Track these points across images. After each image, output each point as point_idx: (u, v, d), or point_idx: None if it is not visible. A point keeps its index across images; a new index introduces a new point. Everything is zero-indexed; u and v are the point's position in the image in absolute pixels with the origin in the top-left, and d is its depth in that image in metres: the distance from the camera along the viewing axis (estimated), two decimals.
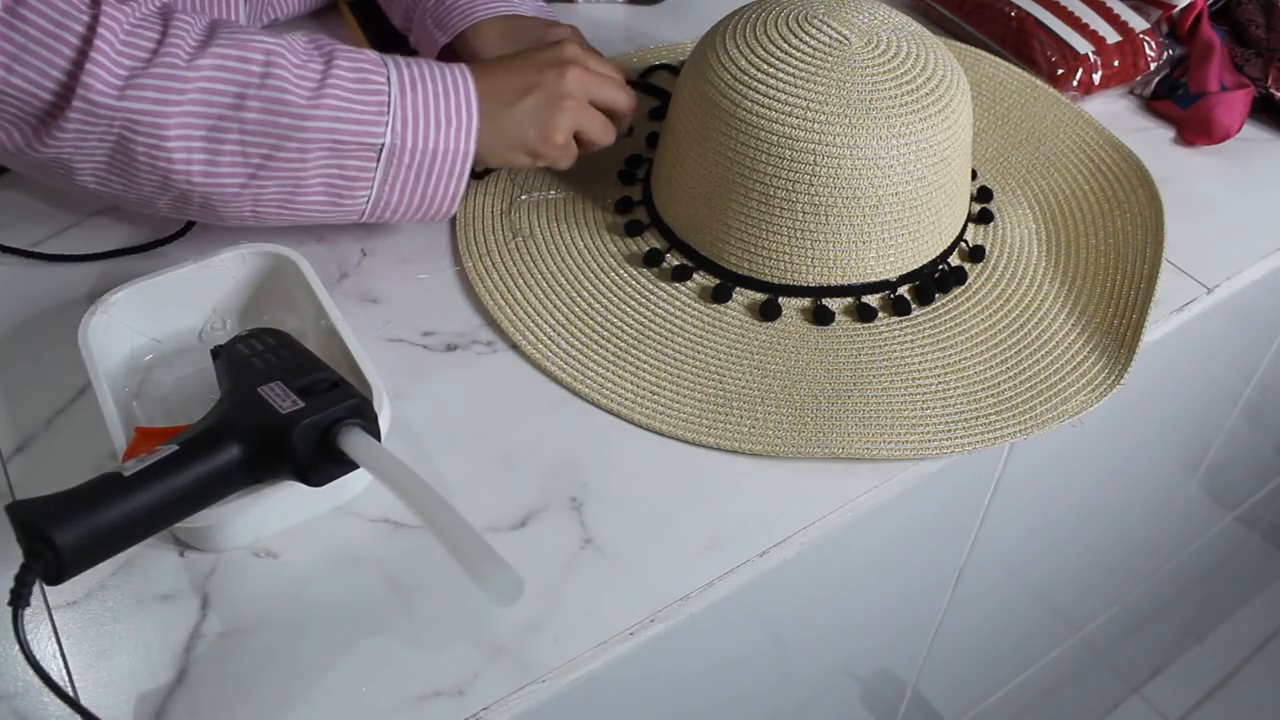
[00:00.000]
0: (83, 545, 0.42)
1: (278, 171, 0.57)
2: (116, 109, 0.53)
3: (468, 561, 0.42)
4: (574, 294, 0.64)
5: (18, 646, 0.40)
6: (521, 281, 0.64)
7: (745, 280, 0.63)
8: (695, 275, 0.64)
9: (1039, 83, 0.81)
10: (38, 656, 0.41)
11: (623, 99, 0.66)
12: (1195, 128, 0.79)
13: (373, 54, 0.59)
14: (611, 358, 0.60)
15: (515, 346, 0.61)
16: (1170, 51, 0.84)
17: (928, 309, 0.64)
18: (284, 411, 0.46)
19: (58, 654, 0.47)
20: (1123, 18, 0.83)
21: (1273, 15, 0.86)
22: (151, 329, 0.59)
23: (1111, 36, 0.82)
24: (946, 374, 0.60)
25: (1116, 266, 0.67)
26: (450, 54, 0.74)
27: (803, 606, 0.64)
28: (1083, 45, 0.81)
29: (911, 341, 0.62)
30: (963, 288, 0.65)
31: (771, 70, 0.60)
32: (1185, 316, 0.67)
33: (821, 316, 0.62)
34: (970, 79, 0.80)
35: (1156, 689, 1.53)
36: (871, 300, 0.63)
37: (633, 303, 0.63)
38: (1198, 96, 0.80)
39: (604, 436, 0.57)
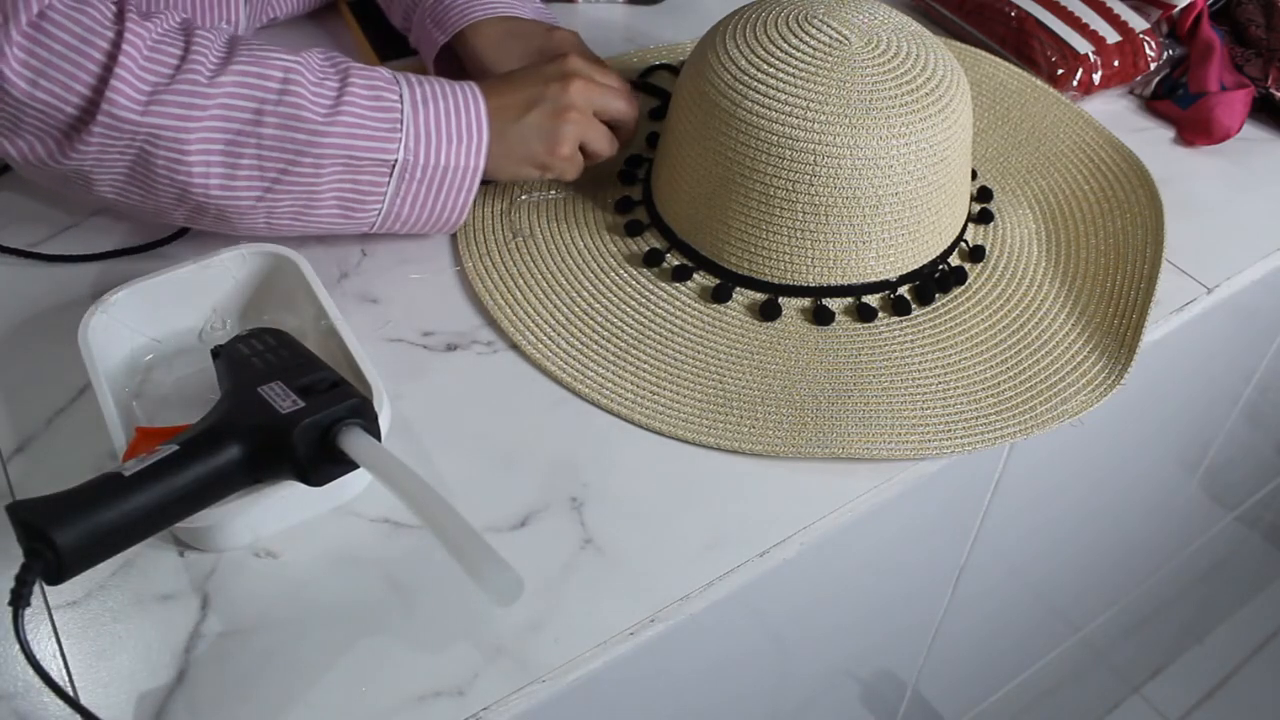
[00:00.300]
0: (83, 545, 0.42)
1: (293, 186, 0.58)
2: (140, 124, 0.54)
3: (468, 561, 0.42)
4: (574, 294, 0.64)
5: (18, 646, 0.40)
6: (521, 281, 0.64)
7: (745, 280, 0.63)
8: (695, 275, 0.64)
9: (1039, 83, 0.81)
10: (38, 656, 0.41)
11: (625, 109, 0.67)
12: (1195, 128, 0.79)
13: (385, 72, 0.60)
14: (611, 358, 0.60)
15: (515, 346, 0.61)
16: (1170, 51, 0.84)
17: (928, 309, 0.64)
18: (284, 411, 0.46)
19: (58, 654, 0.47)
20: (1123, 18, 0.83)
21: (1273, 15, 0.86)
22: (151, 329, 0.59)
23: (1111, 36, 0.82)
24: (946, 374, 0.60)
25: (1117, 266, 0.67)
26: (449, 54, 0.74)
27: (803, 606, 0.64)
28: (1083, 45, 0.81)
29: (911, 341, 0.62)
30: (963, 288, 0.65)
31: (771, 70, 0.60)
32: (1185, 316, 0.67)
33: (821, 316, 0.62)
34: (970, 79, 0.80)
35: (1156, 689, 1.53)
36: (871, 300, 0.63)
37: (633, 303, 0.63)
38: (1198, 96, 0.80)
39: (604, 436, 0.57)
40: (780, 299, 0.63)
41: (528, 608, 0.49)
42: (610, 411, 0.58)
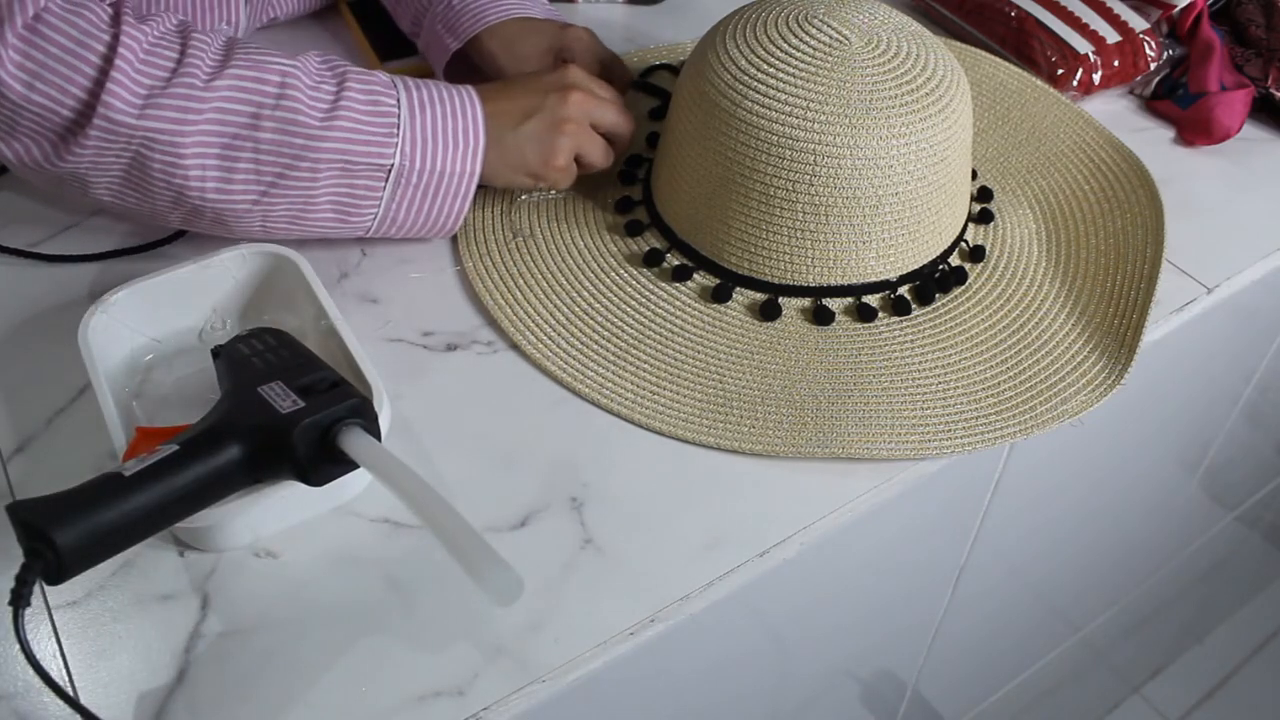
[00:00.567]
0: (83, 545, 0.42)
1: (289, 190, 0.58)
2: (136, 127, 0.54)
3: (468, 561, 0.42)
4: (574, 294, 0.64)
5: (18, 646, 0.40)
6: (521, 281, 0.64)
7: (745, 280, 0.63)
8: (695, 275, 0.64)
9: (1039, 83, 0.81)
10: (37, 656, 0.41)
11: (622, 123, 0.66)
12: (1195, 128, 0.79)
13: (383, 76, 0.60)
14: (612, 357, 0.60)
15: (515, 346, 0.61)
16: (1170, 51, 0.84)
17: (928, 309, 0.64)
18: (284, 411, 0.46)
19: (58, 654, 0.47)
20: (1123, 18, 0.83)
21: (1273, 15, 0.86)
22: (151, 329, 0.59)
23: (1111, 36, 0.82)
24: (946, 374, 0.60)
25: (1117, 267, 0.67)
26: (461, 59, 0.74)
27: (803, 606, 0.64)
28: (1083, 45, 0.81)
29: (911, 341, 0.62)
30: (963, 288, 0.65)
31: (771, 70, 0.60)
32: (1185, 316, 0.67)
33: (821, 316, 0.62)
34: (971, 79, 0.80)
35: (1156, 689, 1.53)
36: (872, 300, 0.63)
37: (633, 303, 0.63)
38: (1198, 96, 0.80)
39: (604, 436, 0.57)
40: (780, 299, 0.63)
41: (528, 608, 0.49)
42: (610, 411, 0.58)
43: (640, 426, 0.57)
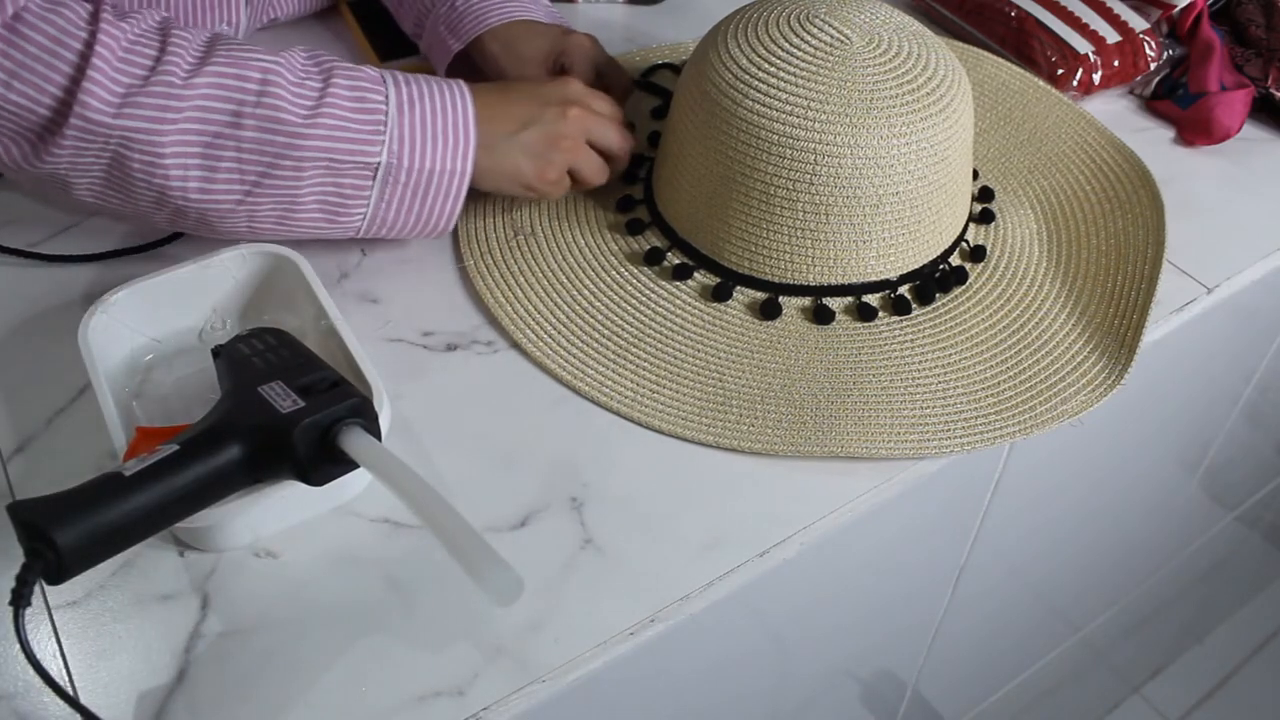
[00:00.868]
0: (84, 545, 0.42)
1: (273, 189, 0.57)
2: (113, 127, 0.53)
3: (468, 561, 0.42)
4: (575, 292, 0.64)
5: (18, 646, 0.40)
6: (522, 279, 0.64)
7: (746, 279, 0.63)
8: (696, 274, 0.64)
9: (1040, 83, 0.81)
10: (38, 656, 0.40)
11: (619, 141, 0.66)
12: (1195, 128, 0.79)
13: (372, 71, 0.59)
14: (612, 356, 0.60)
15: (515, 345, 0.61)
16: (1170, 51, 0.84)
17: (928, 309, 0.64)
18: (284, 411, 0.46)
19: (58, 654, 0.47)
20: (1123, 18, 0.83)
21: (1273, 15, 0.86)
22: (151, 329, 0.59)
23: (1111, 36, 0.82)
24: (946, 374, 0.60)
25: (1117, 267, 0.67)
26: (464, 59, 0.74)
27: (803, 606, 0.64)
28: (1083, 45, 0.81)
29: (912, 341, 0.62)
30: (963, 287, 0.65)
31: (772, 69, 0.60)
32: (1185, 316, 0.67)
33: (822, 316, 0.62)
34: (972, 79, 0.80)
35: (1156, 689, 1.53)
36: (872, 300, 0.63)
37: (633, 301, 0.63)
38: (1198, 96, 0.80)
39: (604, 435, 0.57)
40: (780, 298, 0.63)
41: (528, 608, 0.49)
42: (610, 410, 0.58)
43: (640, 425, 0.57)
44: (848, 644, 0.76)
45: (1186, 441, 0.99)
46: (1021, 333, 0.63)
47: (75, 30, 0.52)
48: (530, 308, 0.63)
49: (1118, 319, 0.63)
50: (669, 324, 0.62)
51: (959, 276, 0.65)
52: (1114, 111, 0.82)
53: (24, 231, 0.67)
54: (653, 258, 0.65)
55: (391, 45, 0.81)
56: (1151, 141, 0.79)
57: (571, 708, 0.50)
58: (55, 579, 0.42)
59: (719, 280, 0.64)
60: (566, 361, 0.60)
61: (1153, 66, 0.82)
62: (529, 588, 0.48)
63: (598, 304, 0.63)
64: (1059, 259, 0.68)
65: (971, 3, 0.87)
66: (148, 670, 0.46)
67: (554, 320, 0.62)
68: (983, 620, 0.93)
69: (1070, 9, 0.83)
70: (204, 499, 0.46)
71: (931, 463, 0.57)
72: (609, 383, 0.59)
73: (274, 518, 0.51)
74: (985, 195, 0.71)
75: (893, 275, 0.63)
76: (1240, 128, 0.80)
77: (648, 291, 0.64)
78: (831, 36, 0.61)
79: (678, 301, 0.63)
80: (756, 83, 0.60)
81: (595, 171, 0.65)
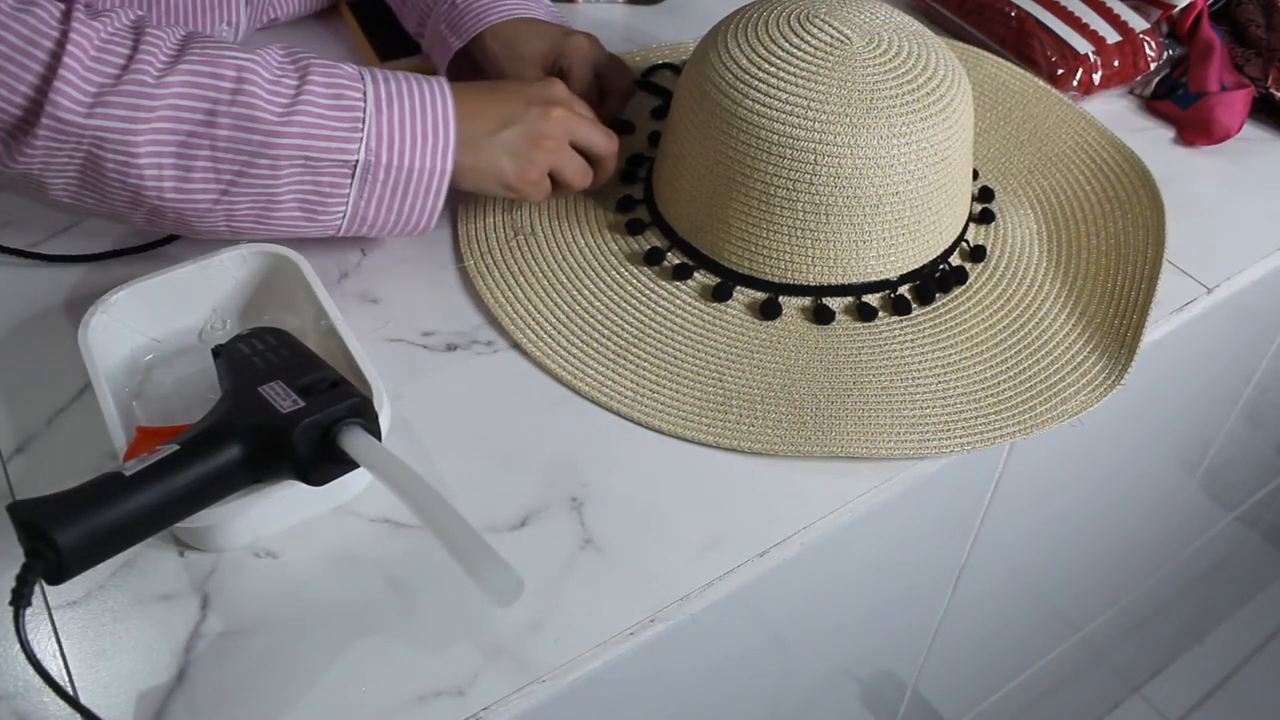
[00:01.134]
0: (84, 545, 0.42)
1: (250, 187, 0.57)
2: (85, 126, 0.52)
3: (468, 561, 0.42)
4: (575, 292, 0.64)
5: (18, 646, 0.40)
6: (522, 279, 0.64)
7: (746, 279, 0.63)
8: (696, 274, 0.64)
9: (1040, 83, 0.81)
10: (38, 656, 0.41)
11: (603, 144, 0.65)
12: (1195, 128, 0.79)
13: (350, 68, 0.59)
14: (612, 356, 0.60)
15: (516, 345, 0.61)
16: (1170, 51, 0.84)
17: (928, 309, 0.64)
18: (284, 411, 0.46)
19: (58, 654, 0.47)
20: (1123, 18, 0.83)
21: (1273, 15, 0.86)
22: (151, 329, 0.59)
23: (1111, 36, 0.82)
24: (946, 374, 0.60)
25: (1118, 267, 0.67)
26: (466, 59, 0.73)
27: (803, 606, 0.64)
28: (1083, 45, 0.81)
29: (911, 341, 0.62)
30: (963, 287, 0.65)
31: (773, 69, 0.60)
32: (1185, 316, 0.67)
33: (822, 316, 0.62)
34: (972, 79, 0.80)
35: (1156, 689, 1.53)
36: (872, 299, 0.63)
37: (633, 301, 0.63)
38: (1198, 96, 0.80)
39: (604, 435, 0.57)
40: (780, 298, 0.63)
41: (528, 608, 0.49)
42: (610, 410, 0.58)
43: (640, 425, 0.57)
44: (848, 644, 0.76)
45: (1186, 441, 0.99)
46: (1021, 333, 0.63)
47: (47, 30, 0.52)
48: (530, 308, 0.63)
49: (1118, 319, 0.63)
50: (669, 324, 0.62)
51: (959, 276, 0.65)
52: (1114, 111, 0.82)
53: (23, 231, 0.67)
54: (653, 258, 0.65)
55: (391, 45, 0.81)
56: (1151, 141, 0.79)
57: (571, 708, 0.50)
58: (55, 579, 0.42)
59: (719, 280, 0.64)
60: (566, 361, 0.60)
61: (1153, 66, 0.82)
62: (529, 588, 0.48)
63: (598, 304, 0.63)
64: (1059, 259, 0.68)
65: (971, 3, 0.87)
66: (148, 670, 0.46)
67: (554, 320, 0.62)
68: (983, 620, 0.93)
69: (1070, 9, 0.84)
70: (204, 499, 0.46)
71: (931, 463, 0.57)
72: (609, 383, 0.59)
73: (274, 518, 0.51)
74: (985, 195, 0.71)
75: (893, 275, 0.63)
76: (1240, 128, 0.80)
77: (648, 291, 0.64)
78: (831, 36, 0.61)
79: (678, 301, 0.63)
80: (756, 83, 0.60)
81: (577, 173, 0.64)
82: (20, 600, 0.41)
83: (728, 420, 0.57)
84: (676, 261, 0.65)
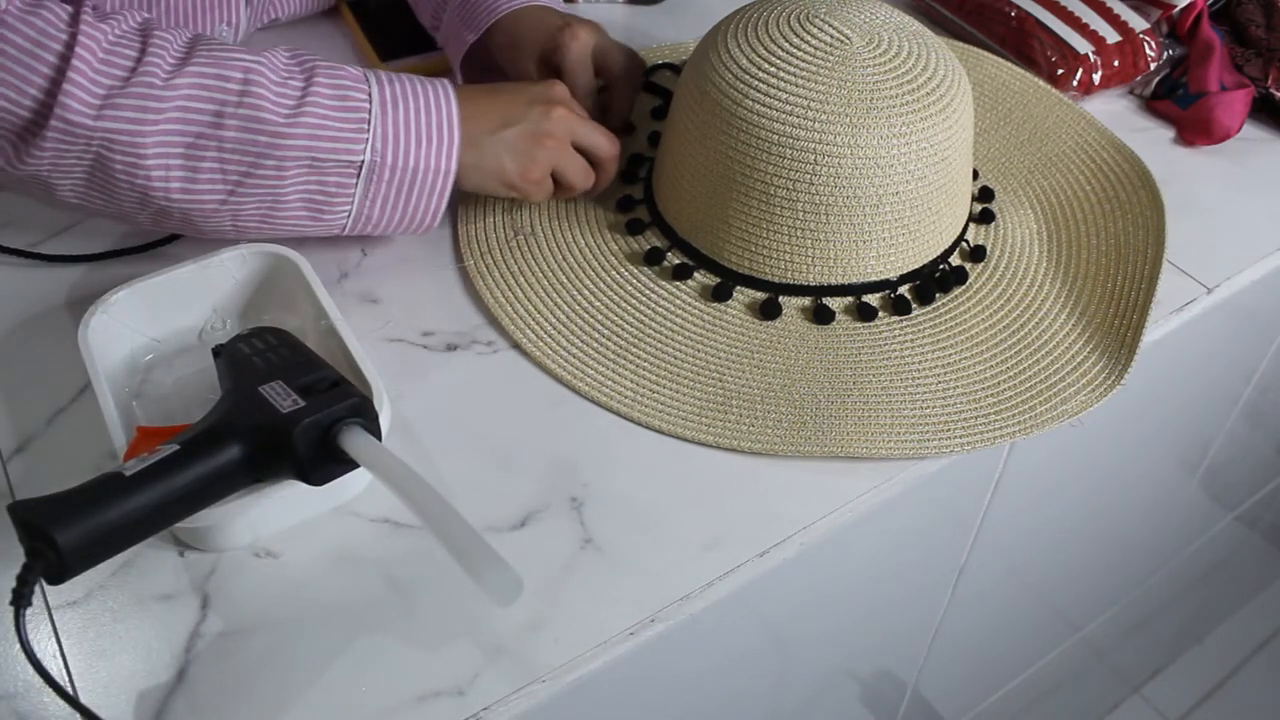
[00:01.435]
0: (84, 545, 0.42)
1: (256, 188, 0.57)
2: (94, 129, 0.53)
3: (467, 561, 0.42)
4: (575, 292, 0.64)
5: (19, 646, 0.40)
6: (522, 279, 0.64)
7: (746, 279, 0.63)
8: (696, 274, 0.64)
9: (1041, 83, 0.81)
10: (38, 656, 0.41)
11: (605, 145, 0.65)
12: (1195, 128, 0.79)
13: (355, 70, 0.59)
14: (612, 356, 0.60)
15: (516, 345, 0.61)
16: (1170, 51, 0.84)
17: (928, 309, 0.64)
18: (284, 410, 0.46)
19: (58, 654, 0.47)
20: (1123, 18, 0.83)
21: (1273, 15, 0.86)
22: (151, 329, 0.59)
23: (1111, 36, 0.82)
24: (946, 374, 0.60)
25: (1118, 267, 0.67)
26: (478, 54, 0.73)
27: (803, 606, 0.64)
28: (1083, 45, 0.81)
29: (911, 341, 0.62)
30: (963, 287, 0.65)
31: (773, 69, 0.60)
32: (1185, 316, 0.67)
33: (822, 316, 0.62)
34: (972, 79, 0.80)
35: (1156, 689, 1.53)
36: (872, 299, 0.63)
37: (633, 301, 0.63)
38: (1198, 96, 0.80)
39: (604, 435, 0.57)
40: (780, 298, 0.63)
41: (528, 608, 0.49)
42: (610, 410, 0.58)
43: (640, 425, 0.57)
44: (848, 644, 0.76)
45: (1186, 441, 0.99)
46: (1021, 333, 0.63)
47: (55, 32, 0.52)
48: (530, 308, 0.63)
49: (1118, 319, 0.63)
50: (669, 324, 0.62)
51: (959, 276, 0.65)
52: (1114, 111, 0.82)
53: (24, 231, 0.67)
54: (653, 258, 0.65)
55: (392, 45, 0.81)
56: (1151, 141, 0.79)
57: (571, 708, 0.50)
58: (56, 579, 0.42)
59: (719, 280, 0.64)
60: (566, 361, 0.60)
61: (1153, 66, 0.82)
62: (529, 588, 0.48)
63: (598, 304, 0.63)
64: (1059, 259, 0.68)
65: (971, 3, 0.87)
66: (148, 670, 0.46)
67: (554, 320, 0.62)
68: (983, 620, 0.93)
69: (1070, 9, 0.84)
70: (204, 499, 0.46)
71: (931, 463, 0.57)
72: (609, 383, 0.59)
73: (274, 518, 0.51)
74: (985, 195, 0.71)
75: (893, 275, 0.63)
76: (1240, 128, 0.80)
77: (648, 291, 0.64)
78: (831, 36, 0.61)
79: (678, 301, 0.63)
80: (756, 83, 0.60)
81: (579, 173, 0.65)
82: (20, 600, 0.41)
83: (728, 420, 0.57)
84: (676, 261, 0.65)
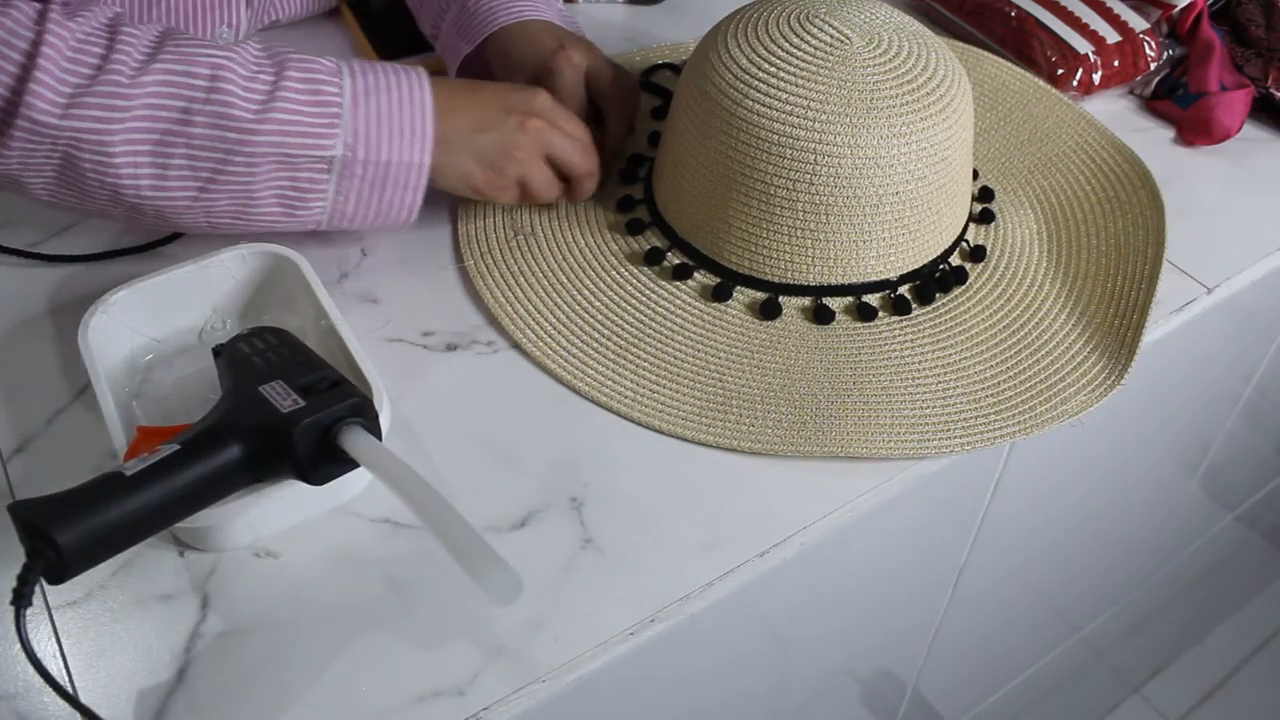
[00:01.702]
0: (85, 545, 0.42)
1: (227, 184, 0.57)
2: (61, 128, 0.52)
3: (467, 561, 0.42)
4: (575, 292, 0.64)
5: (19, 646, 0.40)
6: (522, 279, 0.64)
7: (746, 279, 0.63)
8: (696, 274, 0.64)
9: (1041, 83, 0.81)
10: (38, 656, 0.41)
11: (579, 163, 0.64)
12: (1195, 128, 0.79)
13: (328, 62, 0.58)
14: (612, 356, 0.60)
15: (516, 345, 0.61)
16: (1170, 51, 0.84)
17: (928, 309, 0.64)
18: (285, 410, 0.46)
19: (58, 654, 0.47)
20: (1123, 18, 0.83)
21: (1273, 15, 0.86)
22: (151, 329, 0.59)
23: (1111, 36, 0.82)
24: (946, 374, 0.60)
25: (1118, 267, 0.67)
26: (477, 60, 0.73)
27: (803, 606, 0.64)
28: (1083, 45, 0.81)
29: (911, 341, 0.62)
30: (963, 287, 0.65)
31: (773, 69, 0.60)
32: (1185, 316, 0.67)
33: (822, 316, 0.62)
34: (972, 79, 0.80)
35: (1156, 689, 1.53)
36: (872, 299, 0.63)
37: (633, 301, 0.63)
38: (1198, 96, 0.80)
39: (604, 435, 0.57)
40: (780, 298, 0.63)
41: (528, 608, 0.49)
42: (610, 410, 0.58)
43: (640, 425, 0.57)
44: (848, 644, 0.76)
45: (1186, 441, 0.99)
46: (1021, 333, 0.63)
47: (22, 30, 0.52)
48: (530, 308, 0.63)
49: (1118, 319, 0.63)
50: (669, 324, 0.62)
51: (959, 276, 0.65)
52: (1114, 111, 0.82)
53: (24, 231, 0.67)
54: (653, 258, 0.65)
55: (392, 46, 0.81)
56: (1151, 141, 0.79)
57: (571, 708, 0.50)
58: (56, 579, 0.42)
59: (719, 280, 0.64)
60: (566, 361, 0.60)
61: (1153, 66, 0.83)
62: (529, 588, 0.48)
63: (598, 304, 0.63)
64: (1059, 259, 0.68)
65: (971, 3, 0.87)
66: (148, 670, 0.46)
67: (554, 320, 0.62)
68: (983, 620, 0.93)
69: (1070, 9, 0.84)
70: (204, 499, 0.46)
71: (931, 463, 0.57)
72: (609, 383, 0.59)
73: (274, 518, 0.51)
74: (985, 195, 0.71)
75: (893, 275, 0.63)
76: (1240, 128, 0.80)
77: (648, 291, 0.64)
78: (831, 36, 0.61)
79: (678, 301, 0.63)
80: (756, 83, 0.60)
81: (545, 188, 0.64)
82: (21, 600, 0.41)
83: (728, 420, 0.57)
84: (676, 261, 0.65)
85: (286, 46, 0.59)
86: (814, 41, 0.61)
